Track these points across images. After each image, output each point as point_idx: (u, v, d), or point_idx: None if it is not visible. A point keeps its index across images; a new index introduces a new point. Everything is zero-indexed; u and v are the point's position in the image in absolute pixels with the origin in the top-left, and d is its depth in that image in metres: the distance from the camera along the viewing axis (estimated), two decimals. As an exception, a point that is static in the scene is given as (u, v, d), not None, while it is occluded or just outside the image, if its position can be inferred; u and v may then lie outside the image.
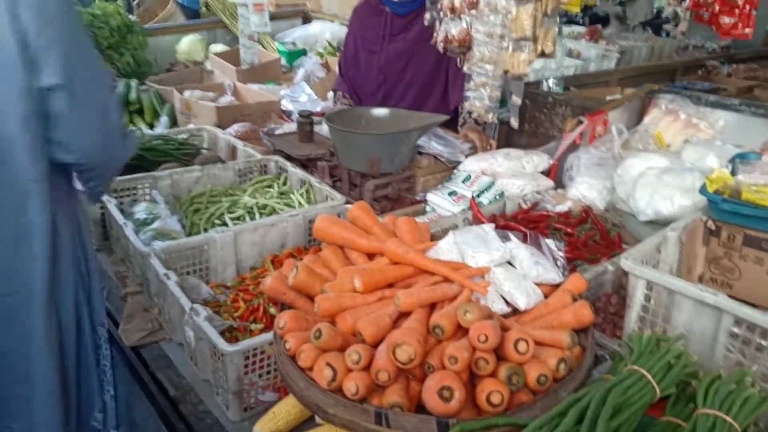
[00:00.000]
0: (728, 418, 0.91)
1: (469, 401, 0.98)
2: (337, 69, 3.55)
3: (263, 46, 4.10)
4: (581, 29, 5.47)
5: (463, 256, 1.28)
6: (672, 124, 2.30)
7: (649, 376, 0.98)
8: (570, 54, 4.51)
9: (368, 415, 0.95)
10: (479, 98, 1.82)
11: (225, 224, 1.88)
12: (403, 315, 1.11)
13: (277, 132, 2.61)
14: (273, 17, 3.38)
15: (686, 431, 0.93)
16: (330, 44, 4.44)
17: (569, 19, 5.86)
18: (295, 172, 2.14)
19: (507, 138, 2.99)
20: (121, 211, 1.81)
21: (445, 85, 2.59)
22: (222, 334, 1.30)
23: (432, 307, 1.14)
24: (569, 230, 1.84)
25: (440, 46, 1.96)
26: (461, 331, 1.04)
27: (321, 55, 4.19)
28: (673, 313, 1.17)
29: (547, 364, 1.01)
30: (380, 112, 2.26)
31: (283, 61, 4.03)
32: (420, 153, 2.25)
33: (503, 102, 2.27)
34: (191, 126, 2.70)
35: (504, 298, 1.20)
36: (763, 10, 3.42)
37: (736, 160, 1.44)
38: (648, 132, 2.23)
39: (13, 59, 1.15)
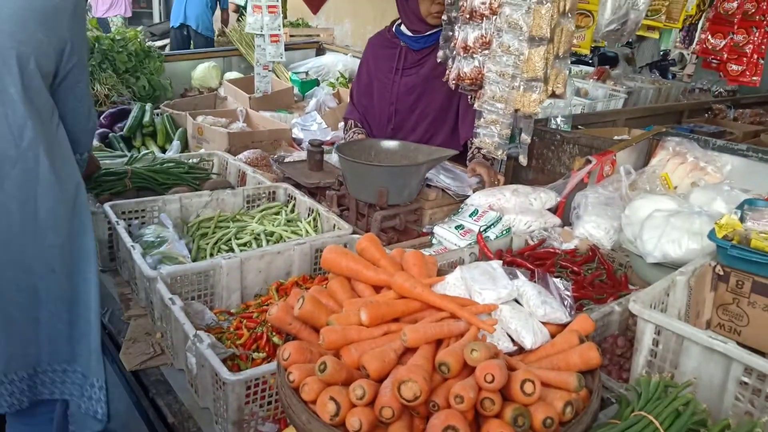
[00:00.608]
0: (738, 470, 0.89)
1: (474, 442, 0.97)
2: (348, 99, 3.61)
3: (277, 75, 4.18)
4: (589, 69, 5.56)
5: (470, 292, 1.28)
6: (679, 166, 2.31)
7: (657, 423, 0.97)
8: (578, 93, 4.57)
9: (371, 452, 0.94)
10: (489, 135, 1.83)
11: (232, 250, 1.89)
12: (409, 350, 1.10)
13: (287, 160, 2.64)
14: (287, 48, 3.45)
15: (694, 482, 0.91)
16: (342, 75, 4.51)
17: (578, 59, 5.96)
18: (304, 200, 2.15)
19: (514, 173, 3.00)
20: (129, 233, 1.82)
21: (455, 119, 2.62)
22: (224, 361, 1.29)
23: (438, 343, 1.13)
24: (576, 268, 1.84)
25: (452, 83, 1.98)
26: (467, 369, 1.03)
27: (333, 85, 4.26)
28: (682, 359, 1.16)
29: (554, 406, 1.00)
30: (390, 144, 2.29)
31: (296, 91, 4.10)
32: (428, 186, 2.26)
33: (512, 138, 2.29)
34: (202, 151, 2.73)
35: (510, 336, 1.19)
36: (770, 58, 3.47)
37: (745, 207, 1.44)
38: (655, 173, 2.24)
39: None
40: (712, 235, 1.34)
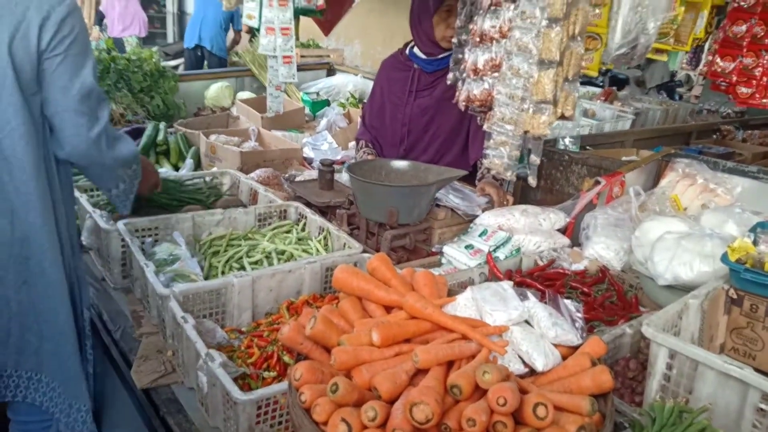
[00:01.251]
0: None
1: (486, 465, 0.96)
2: (358, 119, 3.64)
3: (288, 96, 4.23)
4: (596, 90, 5.59)
5: (481, 313, 1.28)
6: (689, 188, 2.31)
7: (671, 449, 0.96)
8: (585, 114, 4.60)
9: (382, 474, 0.94)
10: (499, 156, 1.85)
11: (243, 268, 1.90)
12: (420, 372, 1.10)
13: (298, 178, 2.66)
14: (299, 68, 3.49)
15: None
16: (352, 95, 4.56)
17: (588, 81, 6.00)
18: (314, 219, 2.17)
19: (523, 194, 3.01)
20: (142, 251, 1.83)
21: (465, 140, 2.64)
22: (235, 380, 1.30)
23: (449, 364, 1.13)
24: (586, 290, 1.83)
25: (462, 105, 2.01)
26: (479, 391, 1.03)
27: (343, 106, 4.31)
28: (696, 384, 1.15)
29: (567, 430, 1.00)
30: (400, 164, 2.31)
31: (307, 110, 4.14)
32: (437, 205, 2.28)
33: (521, 159, 2.30)
34: (215, 169, 2.76)
35: (521, 358, 1.19)
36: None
37: (758, 230, 1.44)
38: (665, 195, 2.24)
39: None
40: (725, 259, 1.34)
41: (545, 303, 1.40)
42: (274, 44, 2.98)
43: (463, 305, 1.28)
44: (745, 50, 2.56)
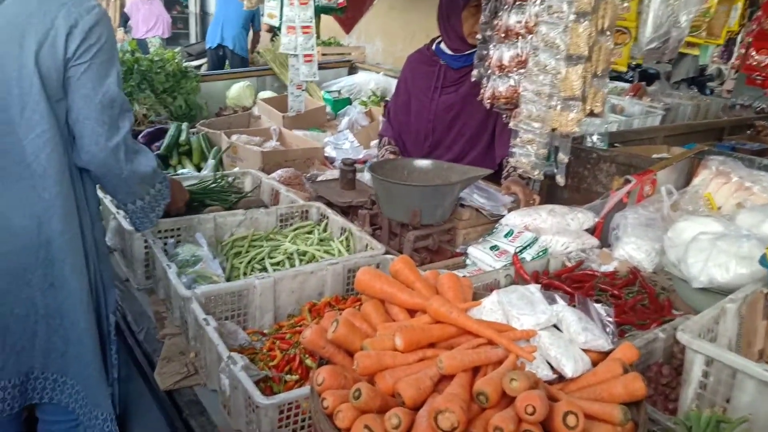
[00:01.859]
0: None
1: (514, 476, 0.93)
2: (380, 118, 3.61)
3: (310, 94, 4.23)
4: (624, 85, 5.46)
5: (507, 317, 1.24)
6: (723, 186, 2.23)
7: (711, 462, 0.91)
8: (614, 110, 4.49)
9: (407, 484, 0.91)
10: (525, 155, 1.80)
11: (265, 269, 1.89)
12: (445, 378, 1.07)
13: (320, 178, 2.65)
14: (320, 67, 3.48)
15: None
16: (374, 94, 4.53)
17: (616, 76, 5.87)
18: (336, 219, 2.15)
19: (549, 192, 2.95)
20: (165, 252, 1.84)
21: (491, 138, 2.60)
22: (257, 383, 1.28)
23: (475, 370, 1.10)
24: (616, 292, 1.78)
25: (487, 103, 1.97)
26: (506, 399, 1.00)
27: (365, 104, 4.29)
28: (735, 393, 1.10)
29: (598, 441, 0.96)
30: (423, 163, 2.27)
31: (328, 109, 4.13)
32: (462, 205, 2.24)
33: (548, 157, 2.25)
34: (237, 169, 2.76)
35: (550, 364, 1.15)
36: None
37: (799, 230, 1.38)
38: (698, 194, 2.16)
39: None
40: (763, 261, 1.28)
41: (574, 306, 1.36)
42: (295, 43, 2.97)
43: (489, 309, 1.25)
44: (782, 42, 2.47)
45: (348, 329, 1.17)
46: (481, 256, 1.98)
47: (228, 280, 1.83)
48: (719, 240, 1.58)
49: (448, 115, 2.63)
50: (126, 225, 1.91)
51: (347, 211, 2.32)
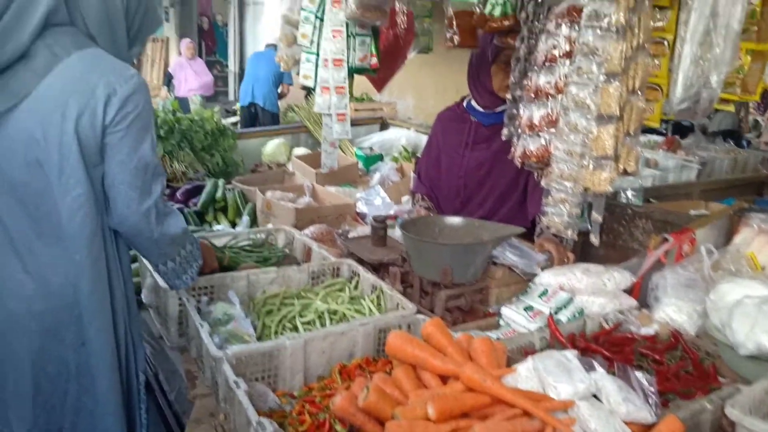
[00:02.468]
0: None
1: None
2: (411, 174, 3.65)
3: (342, 151, 4.32)
4: (657, 138, 5.41)
5: (543, 385, 1.20)
6: (766, 245, 2.15)
7: None
8: (647, 163, 4.44)
9: None
10: (558, 214, 1.79)
11: (296, 327, 1.88)
12: (480, 451, 1.03)
13: (351, 235, 2.66)
14: (353, 123, 3.56)
15: None
16: (405, 149, 4.61)
17: (649, 129, 5.84)
18: (367, 277, 2.14)
19: (583, 249, 2.89)
20: (198, 309, 1.85)
21: (523, 193, 2.59)
22: (286, 450, 1.25)
23: (511, 444, 1.06)
24: (657, 357, 1.70)
25: (517, 161, 1.97)
26: (544, 477, 0.95)
27: (396, 160, 4.35)
28: (793, 475, 1.02)
29: None
30: (454, 220, 2.27)
31: (360, 165, 4.21)
32: (494, 263, 2.21)
33: (581, 214, 2.22)
34: (270, 226, 2.80)
35: (590, 438, 1.10)
36: None
37: None
38: (740, 253, 2.09)
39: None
40: (816, 329, 1.22)
41: (614, 374, 1.31)
42: (329, 103, 3.05)
43: (525, 376, 1.21)
44: (821, 97, 2.42)
45: (379, 396, 1.15)
46: (515, 317, 1.93)
47: (259, 339, 1.83)
48: (765, 304, 1.52)
49: (479, 171, 2.64)
50: (161, 282, 1.95)
51: (378, 268, 2.32)
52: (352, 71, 3.13)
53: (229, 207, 3.18)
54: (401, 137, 4.78)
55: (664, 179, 4.04)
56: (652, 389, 1.26)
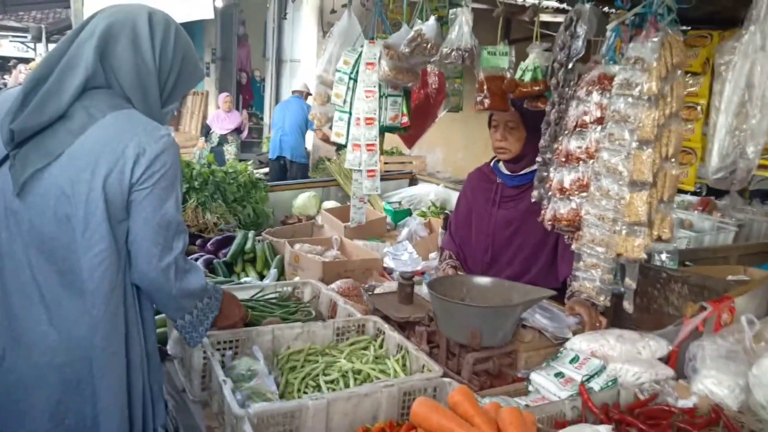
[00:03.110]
0: None
1: None
2: (440, 229, 3.65)
3: (371, 205, 4.35)
4: (692, 199, 5.31)
5: (576, 463, 1.14)
6: (812, 316, 2.06)
7: None
8: (682, 224, 4.35)
9: None
10: (590, 279, 1.75)
11: (319, 386, 1.85)
12: None
13: (378, 290, 2.65)
14: (382, 178, 3.61)
15: None
16: (434, 204, 4.62)
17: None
18: (392, 335, 2.11)
19: (616, 312, 2.81)
20: (222, 364, 1.84)
21: (553, 254, 2.56)
22: None
23: None
24: (697, 433, 1.61)
25: (547, 225, 1.95)
26: None
27: (424, 215, 4.35)
28: None
29: None
30: (483, 281, 2.24)
31: (389, 219, 4.22)
32: (523, 326, 2.16)
33: (614, 276, 2.17)
34: (297, 279, 2.81)
35: None
36: None
37: None
38: (784, 323, 2.00)
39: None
40: None
41: (651, 454, 1.24)
42: (360, 159, 3.11)
43: (556, 453, 1.15)
44: None
45: (403, 467, 1.11)
46: (545, 383, 1.87)
47: (282, 396, 1.80)
48: (814, 382, 1.43)
49: (506, 230, 2.63)
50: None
51: (404, 326, 2.28)
52: (383, 130, 3.20)
53: (257, 258, 3.20)
54: (430, 192, 4.80)
55: (700, 241, 3.94)
56: (693, 472, 1.19)
